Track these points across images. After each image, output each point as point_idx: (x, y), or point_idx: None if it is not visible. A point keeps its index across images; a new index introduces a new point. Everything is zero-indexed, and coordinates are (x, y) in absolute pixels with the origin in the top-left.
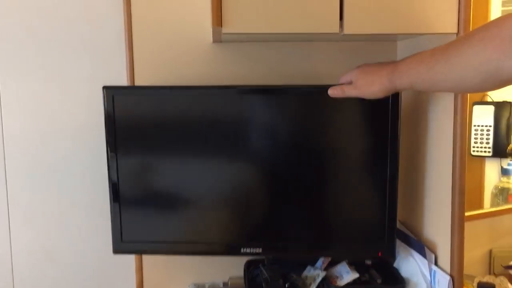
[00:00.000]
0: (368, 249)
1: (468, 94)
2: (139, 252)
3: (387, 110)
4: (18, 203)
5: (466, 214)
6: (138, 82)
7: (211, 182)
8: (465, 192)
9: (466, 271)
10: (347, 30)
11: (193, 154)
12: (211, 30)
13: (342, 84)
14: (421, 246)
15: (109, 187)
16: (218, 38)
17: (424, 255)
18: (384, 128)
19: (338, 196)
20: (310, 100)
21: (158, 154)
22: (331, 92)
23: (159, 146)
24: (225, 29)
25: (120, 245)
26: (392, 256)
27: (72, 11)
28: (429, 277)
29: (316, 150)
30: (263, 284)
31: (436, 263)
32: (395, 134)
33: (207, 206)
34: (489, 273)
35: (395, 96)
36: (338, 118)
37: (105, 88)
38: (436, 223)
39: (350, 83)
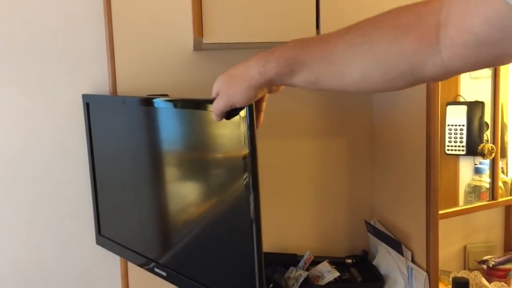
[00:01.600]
0: None
1: (440, 94)
2: (113, 250)
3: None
4: (1, 213)
5: (441, 211)
6: (120, 90)
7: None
8: (438, 190)
9: (442, 267)
10: None
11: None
12: (192, 38)
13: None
14: (397, 244)
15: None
16: (199, 46)
17: (401, 252)
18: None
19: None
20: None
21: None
22: (215, 118)
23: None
24: (206, 39)
25: (99, 238)
26: None
27: (53, 21)
28: (406, 274)
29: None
30: None
31: (412, 260)
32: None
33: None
34: (464, 269)
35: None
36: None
37: (84, 96)
38: (412, 221)
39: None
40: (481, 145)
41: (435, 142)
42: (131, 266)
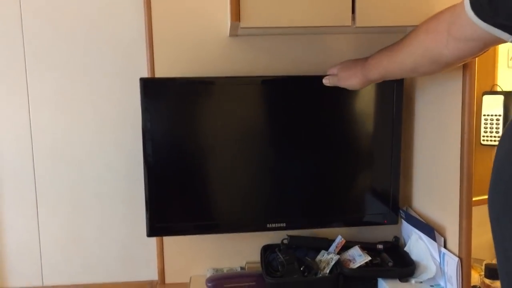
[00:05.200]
0: (375, 218)
1: (476, 84)
2: (172, 234)
3: (391, 96)
4: (45, 193)
5: (476, 198)
6: (158, 75)
7: (237, 165)
8: (472, 177)
9: (475, 255)
10: (359, 23)
11: (219, 139)
12: (228, 24)
13: (329, 75)
14: (430, 229)
15: (145, 176)
16: (235, 32)
17: (433, 238)
18: (389, 110)
19: (349, 172)
20: (321, 88)
21: (188, 140)
22: (325, 81)
23: (189, 133)
24: (243, 24)
25: (154, 228)
26: (395, 223)
27: (95, 9)
28: (438, 259)
29: (330, 132)
30: (279, 267)
31: (445, 246)
32: (399, 116)
33: (234, 187)
34: None
35: (399, 84)
36: (347, 103)
37: (142, 79)
38: (446, 208)
39: (335, 75)
40: None
41: (470, 129)
42: (167, 245)
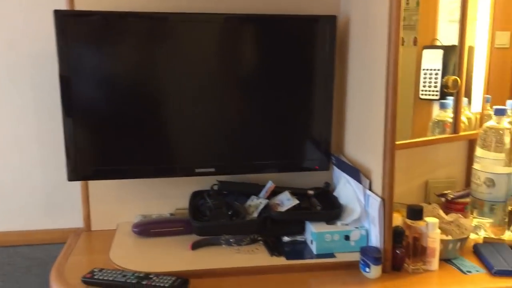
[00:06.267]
0: (307, 163)
1: (418, 37)
2: (95, 177)
3: (324, 39)
4: None
5: (398, 142)
6: (79, 7)
7: (163, 108)
8: (396, 120)
9: (404, 200)
10: None
11: (143, 80)
12: None
13: None
14: (356, 172)
15: (63, 117)
16: None
17: (359, 180)
18: (322, 54)
19: (280, 117)
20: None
21: (110, 82)
22: None
23: (110, 74)
24: None
25: (74, 173)
26: (327, 169)
27: None
28: (363, 201)
29: (262, 74)
30: (207, 212)
31: (370, 189)
32: (331, 59)
33: (162, 130)
34: (425, 203)
35: (331, 26)
36: (279, 46)
37: (56, 12)
38: (371, 151)
39: None
40: (446, 77)
41: (394, 69)
42: (92, 191)
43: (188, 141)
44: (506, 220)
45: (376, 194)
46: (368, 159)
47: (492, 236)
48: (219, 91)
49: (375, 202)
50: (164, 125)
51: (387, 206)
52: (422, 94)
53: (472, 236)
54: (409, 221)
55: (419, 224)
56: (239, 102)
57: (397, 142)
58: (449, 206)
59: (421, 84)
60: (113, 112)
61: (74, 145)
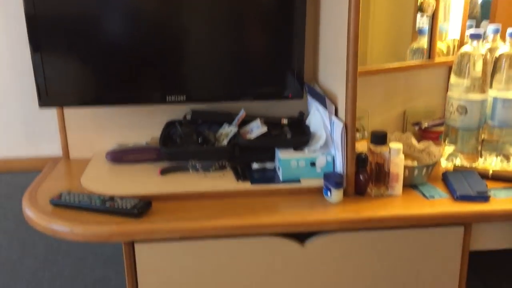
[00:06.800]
0: (281, 92)
1: None
2: (65, 104)
3: None
4: None
5: (362, 69)
6: None
7: (134, 33)
8: (358, 43)
9: (382, 129)
10: None
11: (113, 2)
12: None
13: None
14: (322, 98)
15: (29, 38)
16: None
17: (325, 106)
18: None
19: (253, 44)
20: None
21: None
22: None
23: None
24: None
25: (46, 99)
26: (301, 97)
27: None
28: (329, 128)
29: (235, 4)
30: (177, 140)
31: (336, 115)
32: None
33: (132, 56)
34: (403, 132)
35: None
36: None
37: None
38: (337, 76)
39: None
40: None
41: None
42: (69, 120)
43: (159, 68)
44: (479, 148)
45: (341, 120)
46: (335, 85)
47: (465, 164)
48: (190, 17)
49: (338, 128)
50: (134, 51)
51: (350, 131)
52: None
53: (447, 165)
54: (372, 146)
55: (382, 149)
56: (211, 30)
57: (360, 69)
58: (424, 134)
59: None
60: (81, 38)
61: (43, 72)
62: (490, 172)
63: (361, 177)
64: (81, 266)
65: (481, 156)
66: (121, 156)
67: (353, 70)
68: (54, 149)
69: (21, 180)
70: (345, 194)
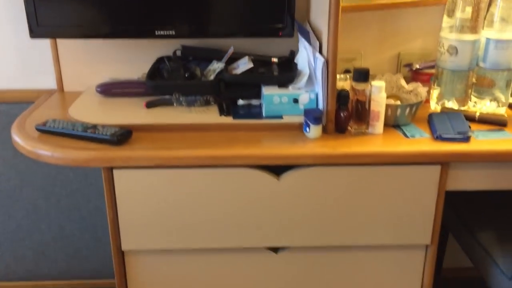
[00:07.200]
0: (271, 30)
1: None
2: (56, 35)
3: None
4: None
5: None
6: None
7: None
8: None
9: (376, 71)
10: None
11: None
12: None
13: None
14: (307, 33)
15: None
16: None
17: (309, 41)
18: None
19: None
20: None
21: None
22: None
23: None
24: None
25: (37, 29)
26: (291, 35)
27: None
28: (313, 64)
29: None
30: (165, 74)
31: (320, 52)
32: None
33: None
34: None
35: None
36: None
37: None
38: (321, 12)
39: None
40: None
41: None
42: (62, 54)
43: (148, 1)
44: (470, 91)
45: (323, 56)
46: (320, 21)
47: (454, 107)
48: None
49: (320, 63)
50: None
51: (331, 67)
52: None
53: (436, 108)
54: (354, 84)
55: (364, 86)
56: None
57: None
58: (416, 77)
59: None
60: None
61: (33, 1)
62: (477, 114)
63: (341, 114)
64: (77, 196)
65: (470, 100)
66: (110, 89)
67: (335, 3)
68: (49, 82)
69: (18, 111)
70: (325, 131)
